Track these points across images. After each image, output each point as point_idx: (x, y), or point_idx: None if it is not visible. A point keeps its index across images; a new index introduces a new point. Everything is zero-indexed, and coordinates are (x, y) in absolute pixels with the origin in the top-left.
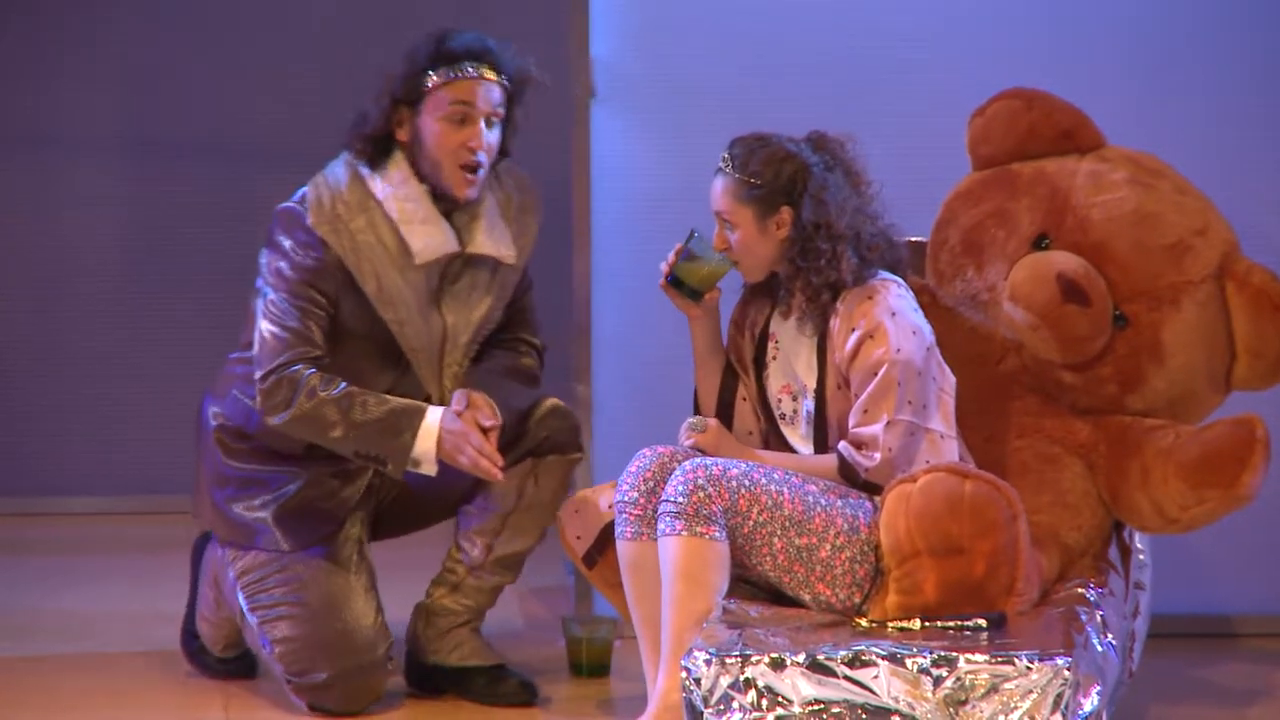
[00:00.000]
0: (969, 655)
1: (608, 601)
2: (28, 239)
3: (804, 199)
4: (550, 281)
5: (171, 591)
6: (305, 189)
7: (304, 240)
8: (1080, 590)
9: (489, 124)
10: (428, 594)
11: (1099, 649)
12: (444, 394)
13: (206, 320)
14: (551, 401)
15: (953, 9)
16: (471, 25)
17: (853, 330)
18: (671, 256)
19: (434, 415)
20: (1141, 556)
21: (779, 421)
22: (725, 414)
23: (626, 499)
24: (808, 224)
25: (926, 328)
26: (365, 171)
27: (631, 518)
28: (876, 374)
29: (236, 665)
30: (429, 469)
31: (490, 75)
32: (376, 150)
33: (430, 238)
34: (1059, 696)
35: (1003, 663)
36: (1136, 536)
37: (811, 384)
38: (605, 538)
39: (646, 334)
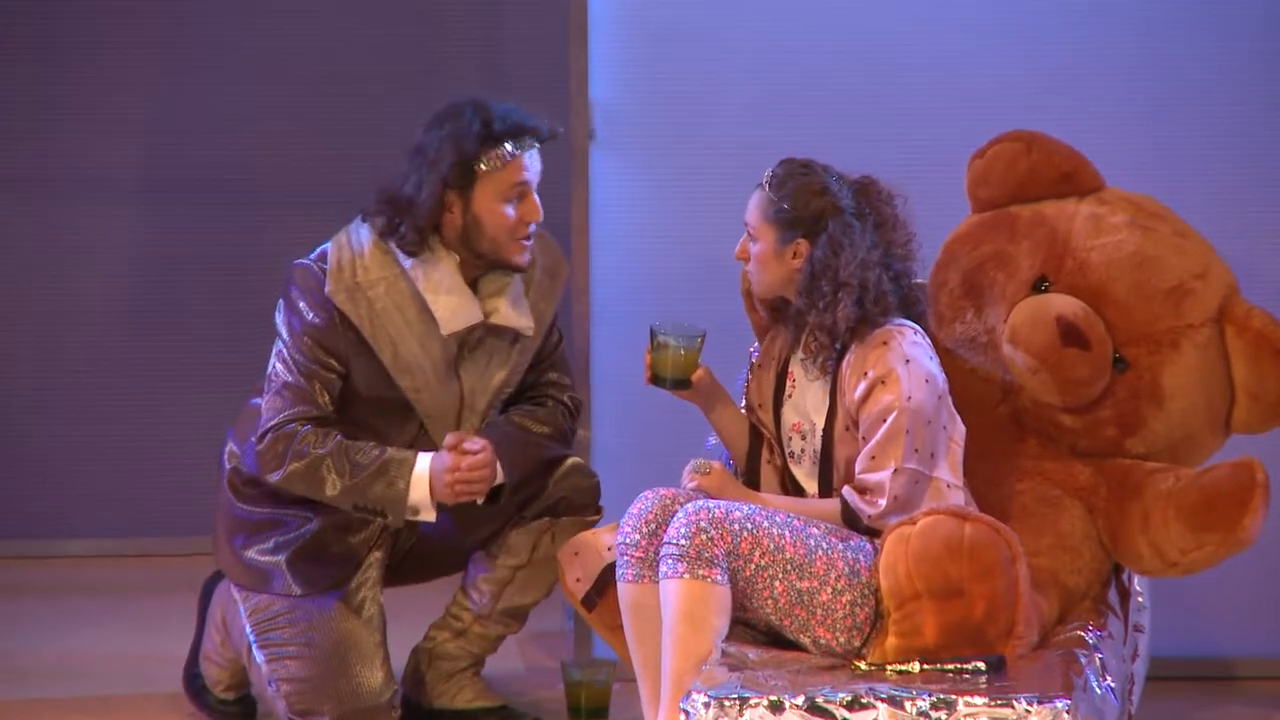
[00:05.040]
0: (968, 698)
1: (606, 644)
2: (29, 282)
3: (821, 237)
4: None
5: (172, 634)
6: (326, 246)
7: (318, 302)
8: (1080, 633)
9: (537, 192)
10: (429, 637)
11: (1098, 692)
12: None
13: (208, 363)
14: (573, 460)
15: (955, 51)
16: (475, 68)
17: (865, 374)
18: (646, 357)
19: (424, 462)
20: (1141, 599)
21: (788, 460)
22: (753, 478)
23: (628, 541)
24: (817, 263)
25: (940, 376)
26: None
27: (633, 560)
28: (886, 420)
29: (236, 709)
30: (428, 516)
31: (535, 147)
32: (424, 242)
33: (458, 309)
34: None
35: (1002, 705)
36: (1136, 579)
37: (820, 423)
38: (605, 580)
39: (645, 368)
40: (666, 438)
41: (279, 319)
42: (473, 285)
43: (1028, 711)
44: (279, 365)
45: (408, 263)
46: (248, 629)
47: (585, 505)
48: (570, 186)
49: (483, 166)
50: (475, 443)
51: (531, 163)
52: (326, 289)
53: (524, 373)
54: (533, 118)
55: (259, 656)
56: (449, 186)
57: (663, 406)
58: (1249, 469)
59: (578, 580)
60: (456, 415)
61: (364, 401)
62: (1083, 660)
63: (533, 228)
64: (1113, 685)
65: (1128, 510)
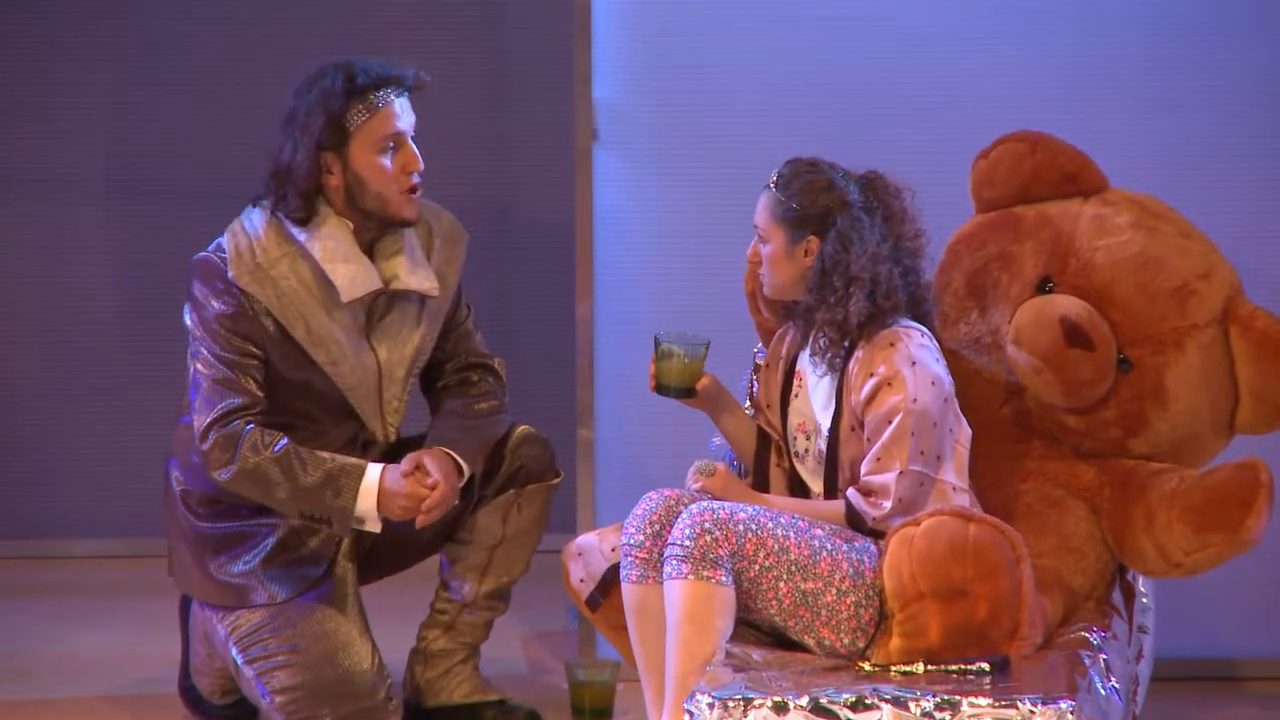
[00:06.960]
0: (972, 699)
1: (610, 645)
2: (26, 282)
3: (831, 233)
4: (554, 324)
5: (172, 634)
6: (222, 238)
7: (222, 290)
8: (1084, 634)
9: (413, 140)
10: (420, 638)
11: (1102, 693)
12: (388, 431)
13: None
14: (523, 429)
15: (959, 51)
16: (478, 68)
17: (871, 375)
18: (650, 366)
19: (373, 473)
20: (1145, 600)
21: (793, 459)
22: (762, 482)
23: (632, 542)
24: (828, 259)
25: (947, 379)
26: (283, 217)
27: (637, 561)
28: (891, 422)
29: (237, 711)
30: (373, 527)
31: (403, 95)
32: (309, 207)
33: (355, 275)
34: None
35: (1006, 706)
36: (1140, 580)
37: (826, 423)
38: (609, 581)
39: (649, 377)
40: (670, 438)
41: (188, 319)
42: (371, 251)
43: (1032, 712)
44: (199, 366)
45: (302, 236)
46: (231, 648)
47: (545, 471)
48: (574, 186)
49: (353, 121)
50: (432, 473)
51: (403, 111)
52: (230, 275)
53: (437, 340)
54: (396, 67)
55: (247, 672)
56: (323, 148)
57: (666, 407)
58: (1253, 470)
59: (582, 580)
60: (377, 386)
61: (293, 388)
62: (1087, 661)
63: (416, 178)
64: (1117, 686)
65: (1131, 511)
